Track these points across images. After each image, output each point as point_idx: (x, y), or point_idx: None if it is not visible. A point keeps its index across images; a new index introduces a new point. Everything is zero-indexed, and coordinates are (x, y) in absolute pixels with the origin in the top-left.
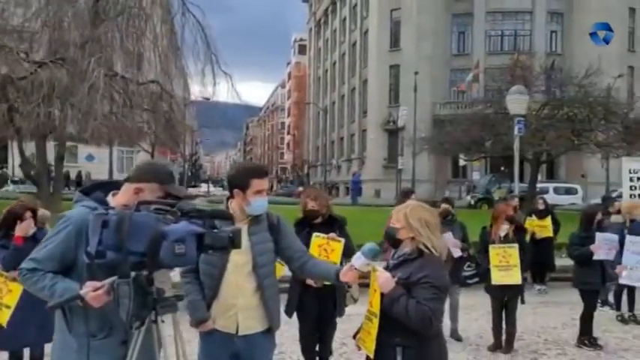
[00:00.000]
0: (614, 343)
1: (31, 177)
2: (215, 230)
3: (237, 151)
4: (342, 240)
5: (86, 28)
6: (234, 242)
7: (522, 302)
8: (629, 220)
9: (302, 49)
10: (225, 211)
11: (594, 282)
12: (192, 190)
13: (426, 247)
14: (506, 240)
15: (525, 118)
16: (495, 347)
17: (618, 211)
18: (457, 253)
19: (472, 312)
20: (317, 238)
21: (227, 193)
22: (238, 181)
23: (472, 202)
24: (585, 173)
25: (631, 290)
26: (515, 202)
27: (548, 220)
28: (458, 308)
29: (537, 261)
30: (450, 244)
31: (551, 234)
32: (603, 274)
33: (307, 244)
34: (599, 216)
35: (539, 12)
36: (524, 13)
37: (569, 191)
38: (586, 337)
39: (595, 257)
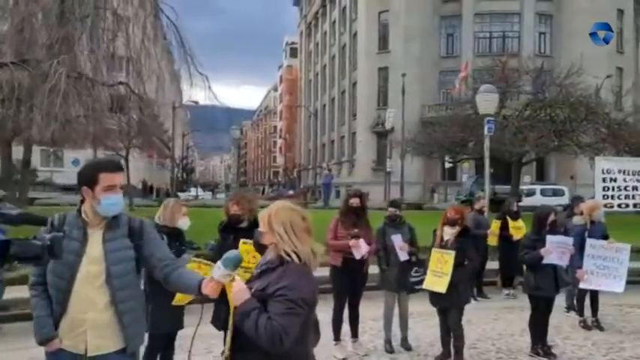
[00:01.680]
0: (570, 350)
1: None
2: (31, 238)
3: (231, 155)
4: None
5: (53, 29)
6: (52, 251)
7: (461, 314)
8: (590, 222)
9: (294, 52)
10: (39, 216)
11: (545, 287)
12: (181, 195)
13: (287, 254)
14: (446, 245)
15: (506, 118)
16: (444, 357)
17: (582, 213)
18: (404, 256)
19: (430, 319)
20: (244, 245)
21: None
22: (85, 176)
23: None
24: (574, 175)
25: (594, 295)
26: (482, 203)
27: (522, 222)
28: (407, 316)
29: (505, 265)
30: (397, 246)
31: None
32: (556, 279)
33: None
34: (551, 217)
35: (528, 14)
36: (513, 15)
37: (556, 193)
38: (539, 345)
39: (545, 261)
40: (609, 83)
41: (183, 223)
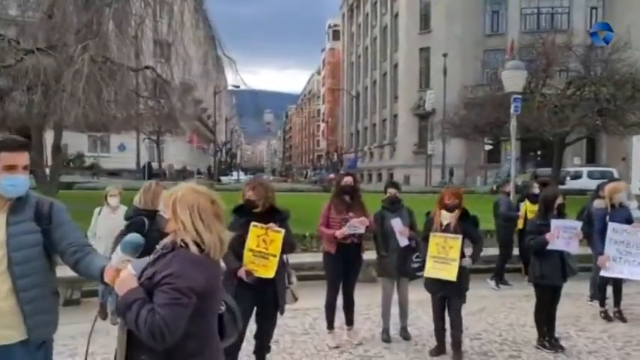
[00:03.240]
0: (583, 344)
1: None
2: None
3: (277, 139)
4: (282, 231)
5: (81, 13)
6: None
7: (464, 302)
8: (610, 206)
9: (336, 35)
10: None
11: (551, 276)
12: (223, 179)
13: (184, 242)
14: (447, 229)
15: (545, 97)
16: (438, 352)
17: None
18: (404, 241)
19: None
20: (255, 228)
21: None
22: None
23: (494, 188)
24: (627, 156)
25: (617, 283)
26: (509, 187)
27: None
28: (407, 304)
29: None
30: (397, 231)
31: None
32: (563, 267)
33: (244, 233)
34: (559, 200)
35: None
36: None
37: (604, 175)
38: (546, 338)
39: (550, 247)
40: None
41: None
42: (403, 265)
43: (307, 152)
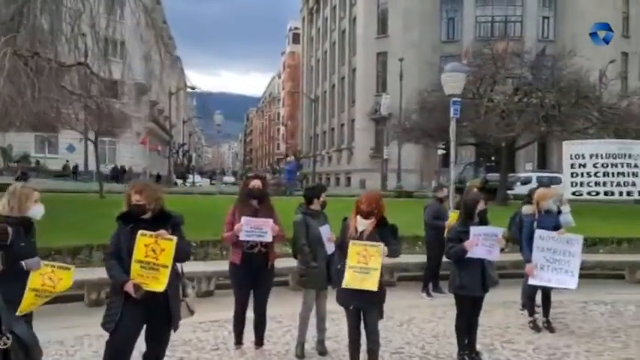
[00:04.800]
0: (505, 357)
1: None
2: None
3: (238, 142)
4: (174, 238)
5: (9, 4)
6: None
7: (381, 314)
8: (537, 212)
9: (296, 38)
10: None
11: (471, 286)
12: (180, 182)
13: None
14: (361, 237)
15: (492, 101)
16: None
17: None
18: (332, 248)
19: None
20: (143, 237)
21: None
22: None
23: (450, 194)
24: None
25: (546, 292)
26: (444, 192)
27: None
28: (325, 314)
29: None
30: (325, 238)
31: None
32: (484, 277)
33: (131, 241)
34: (480, 206)
35: None
36: None
37: (552, 180)
38: (465, 351)
39: (470, 255)
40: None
41: (36, 211)
42: (328, 273)
43: (267, 155)
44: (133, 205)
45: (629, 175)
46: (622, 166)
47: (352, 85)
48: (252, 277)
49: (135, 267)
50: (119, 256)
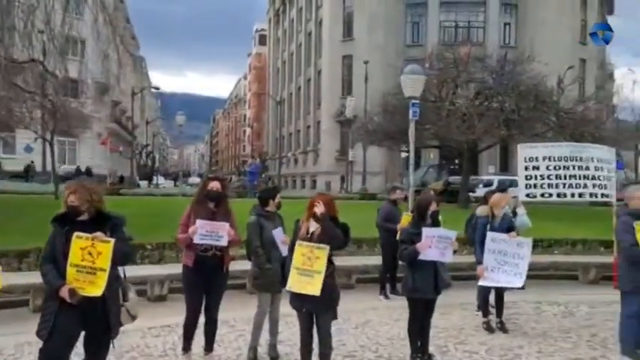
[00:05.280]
0: (458, 358)
1: None
2: None
3: (204, 144)
4: (111, 240)
5: None
6: None
7: (334, 317)
8: (492, 215)
9: (262, 40)
10: None
11: (424, 289)
12: (142, 183)
13: None
14: (312, 238)
15: (454, 104)
16: None
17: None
18: (285, 250)
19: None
20: (79, 240)
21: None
22: None
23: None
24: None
25: (500, 293)
26: (399, 194)
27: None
28: (279, 318)
29: None
30: (279, 241)
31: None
32: (437, 279)
33: (67, 245)
34: (433, 207)
35: (493, 3)
36: (478, 5)
37: (513, 183)
38: (418, 354)
39: (422, 257)
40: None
41: None
42: (283, 276)
43: (233, 157)
44: (68, 206)
45: (580, 178)
46: (573, 169)
47: (318, 88)
48: (205, 281)
49: (71, 271)
50: (55, 260)
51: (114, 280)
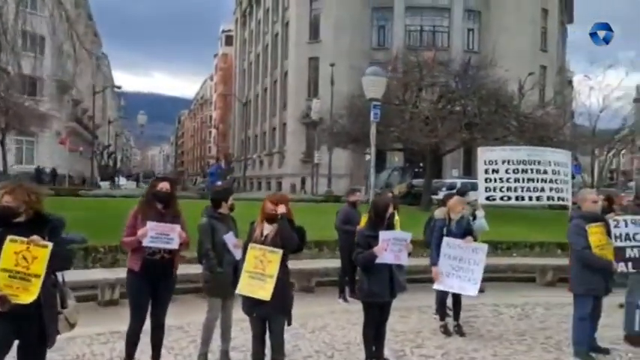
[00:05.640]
0: None
1: None
2: None
3: (170, 145)
4: (49, 245)
5: None
6: None
7: (289, 324)
8: (449, 218)
9: (229, 40)
10: None
11: (380, 292)
12: (103, 184)
13: None
14: (265, 241)
15: (417, 107)
16: None
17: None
18: (239, 254)
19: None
20: (12, 243)
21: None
22: None
23: (370, 198)
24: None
25: (457, 296)
26: (357, 196)
27: (396, 215)
28: (231, 323)
29: None
30: (231, 244)
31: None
32: (392, 282)
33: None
34: (391, 210)
35: (457, 9)
36: (443, 10)
37: (474, 187)
38: (372, 358)
39: (379, 261)
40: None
41: None
42: (234, 280)
43: (199, 159)
44: (3, 207)
45: (538, 181)
46: (532, 172)
47: (284, 89)
48: (152, 286)
49: (2, 276)
50: None
51: (50, 286)
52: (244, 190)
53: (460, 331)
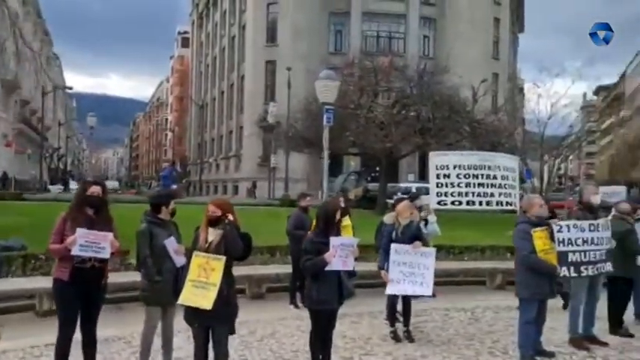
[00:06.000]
0: None
1: None
2: None
3: (124, 147)
4: None
5: None
6: None
7: (232, 332)
8: (398, 222)
9: (185, 42)
10: None
11: (329, 300)
12: (52, 188)
13: None
14: (209, 248)
15: (372, 111)
16: None
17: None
18: (181, 261)
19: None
20: None
21: None
22: None
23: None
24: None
25: (407, 302)
26: (308, 200)
27: (348, 220)
28: (172, 334)
29: None
30: (171, 250)
31: (351, 234)
32: (340, 288)
33: None
34: (338, 215)
35: (413, 16)
36: (399, 17)
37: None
38: None
39: (329, 268)
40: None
41: None
42: (175, 288)
43: (154, 162)
44: None
45: (488, 186)
46: (482, 177)
47: (241, 93)
48: (82, 296)
49: None
50: None
51: None
52: (200, 194)
53: (410, 337)
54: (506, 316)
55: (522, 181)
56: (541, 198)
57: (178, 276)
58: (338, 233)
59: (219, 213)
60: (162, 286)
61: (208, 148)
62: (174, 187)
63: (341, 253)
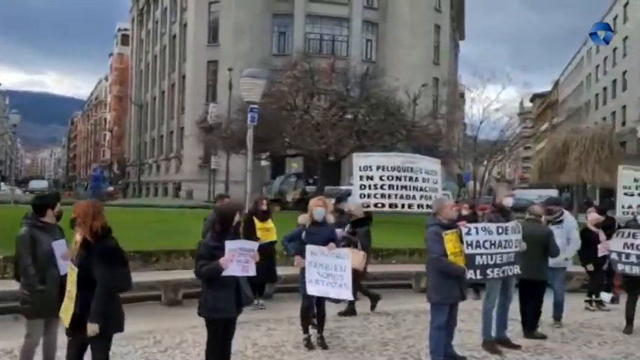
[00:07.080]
0: None
1: None
2: None
3: (62, 147)
4: None
5: None
6: None
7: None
8: (312, 222)
9: (125, 40)
10: None
11: (227, 307)
12: None
13: None
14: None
15: (308, 113)
16: None
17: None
18: (65, 268)
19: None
20: None
21: None
22: None
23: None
24: None
25: (320, 306)
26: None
27: (271, 223)
28: (56, 348)
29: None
30: (59, 256)
31: (275, 238)
32: (239, 295)
33: None
34: (237, 217)
35: (356, 20)
36: (342, 20)
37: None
38: None
39: (225, 273)
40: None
41: None
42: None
43: (92, 162)
44: None
45: (410, 189)
46: (405, 180)
47: (182, 93)
48: None
49: None
50: None
51: None
52: (140, 195)
53: (323, 344)
54: (426, 319)
55: (462, 184)
56: (452, 200)
57: (63, 284)
58: (237, 237)
59: (74, 216)
60: (45, 297)
61: (148, 148)
62: (111, 188)
63: (240, 258)
